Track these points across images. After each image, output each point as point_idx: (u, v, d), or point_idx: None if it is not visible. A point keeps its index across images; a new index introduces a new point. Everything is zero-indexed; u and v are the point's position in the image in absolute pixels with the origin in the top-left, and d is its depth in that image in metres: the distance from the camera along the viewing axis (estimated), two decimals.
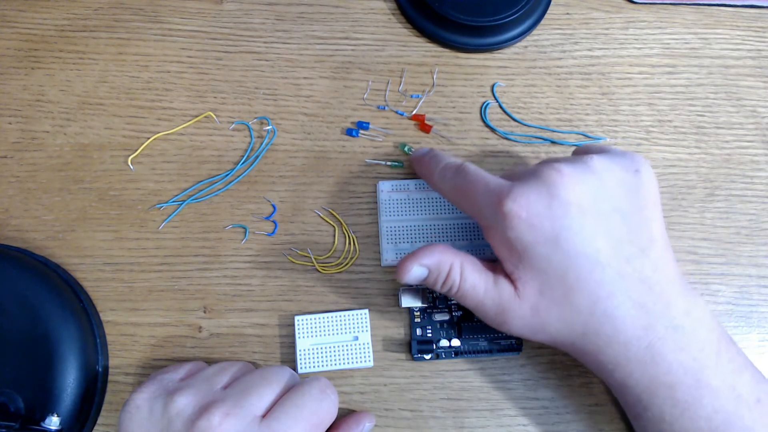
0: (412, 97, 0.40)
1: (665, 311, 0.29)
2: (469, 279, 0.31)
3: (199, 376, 0.31)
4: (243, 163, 0.39)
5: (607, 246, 0.29)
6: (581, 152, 0.34)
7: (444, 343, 0.36)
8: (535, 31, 0.42)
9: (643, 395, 0.30)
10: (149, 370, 0.36)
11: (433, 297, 0.37)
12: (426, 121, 0.40)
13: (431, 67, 0.41)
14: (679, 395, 0.29)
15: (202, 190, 0.38)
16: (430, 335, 0.36)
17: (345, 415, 0.35)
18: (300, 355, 0.35)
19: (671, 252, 0.31)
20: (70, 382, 0.33)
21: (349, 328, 0.36)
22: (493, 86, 0.41)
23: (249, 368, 0.33)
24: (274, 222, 0.38)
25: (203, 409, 0.28)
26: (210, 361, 0.35)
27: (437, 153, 0.36)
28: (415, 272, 0.32)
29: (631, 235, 0.30)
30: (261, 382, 0.31)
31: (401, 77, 0.41)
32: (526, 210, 0.29)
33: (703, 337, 0.30)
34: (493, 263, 0.32)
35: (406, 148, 0.39)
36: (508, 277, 0.31)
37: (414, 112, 0.40)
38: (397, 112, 0.40)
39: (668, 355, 0.29)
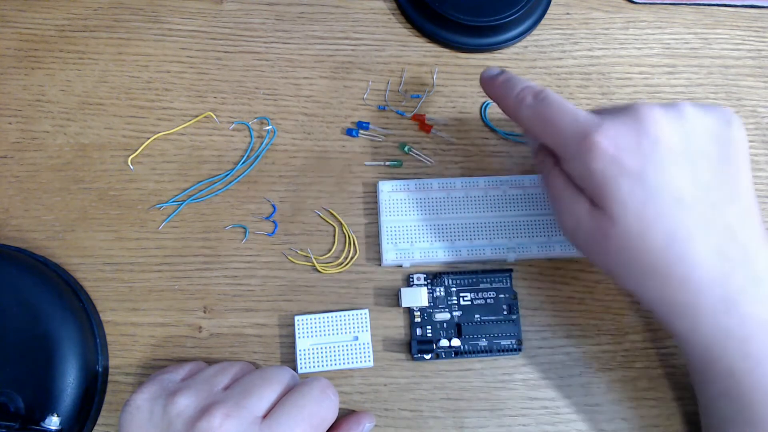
0: (412, 97, 0.41)
1: (746, 262, 0.28)
2: (558, 173, 0.32)
3: (199, 377, 0.31)
4: (243, 163, 0.39)
5: (693, 188, 0.29)
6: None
7: (444, 343, 0.36)
8: (535, 31, 0.42)
9: (713, 346, 0.29)
10: (149, 370, 0.36)
11: (434, 297, 0.37)
12: (426, 121, 0.40)
13: (431, 67, 0.41)
14: (752, 349, 0.28)
15: (202, 190, 0.38)
16: (430, 335, 0.36)
17: (345, 415, 0.35)
18: (300, 355, 0.35)
19: (758, 207, 0.30)
20: (70, 382, 0.33)
21: (349, 328, 0.36)
22: None
23: (249, 368, 0.33)
24: (274, 222, 0.38)
25: (204, 410, 0.28)
26: (210, 361, 0.35)
27: (512, 75, 0.34)
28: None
29: (718, 182, 0.29)
30: (261, 382, 0.31)
31: (401, 77, 0.41)
32: (615, 144, 0.29)
33: None
34: None
35: (406, 148, 0.39)
36: (588, 198, 0.30)
37: (414, 112, 0.40)
38: (397, 112, 0.40)
39: (744, 307, 0.28)
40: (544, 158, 0.33)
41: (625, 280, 0.31)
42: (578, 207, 0.30)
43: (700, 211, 0.29)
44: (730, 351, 0.29)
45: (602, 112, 0.31)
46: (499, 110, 0.41)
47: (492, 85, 0.34)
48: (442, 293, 0.37)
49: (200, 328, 0.36)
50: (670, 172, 0.29)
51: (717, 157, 0.30)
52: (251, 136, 0.39)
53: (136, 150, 0.39)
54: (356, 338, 0.35)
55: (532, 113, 0.31)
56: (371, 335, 0.36)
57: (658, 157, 0.29)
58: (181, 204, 0.38)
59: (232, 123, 0.40)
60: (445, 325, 0.36)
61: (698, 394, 0.32)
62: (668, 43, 0.43)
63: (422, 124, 0.40)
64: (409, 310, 0.37)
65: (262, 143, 0.39)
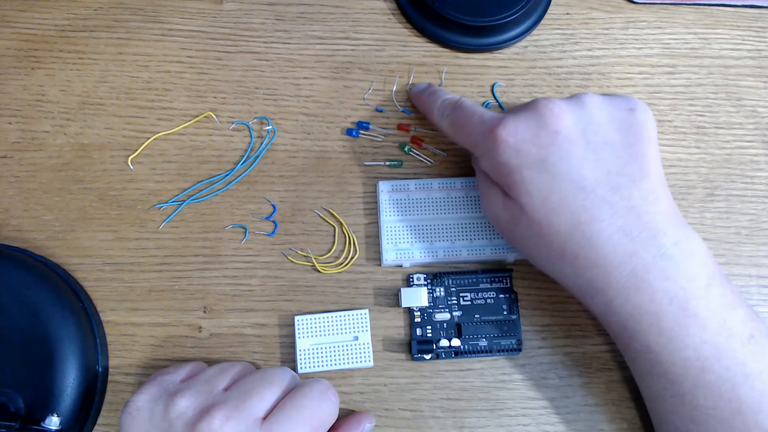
0: (402, 111, 0.40)
1: (653, 240, 0.29)
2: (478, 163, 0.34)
3: (199, 378, 0.31)
4: (243, 163, 0.39)
5: (594, 175, 0.30)
6: None
7: (444, 343, 0.36)
8: (535, 31, 0.42)
9: (627, 323, 0.30)
10: (149, 370, 0.36)
11: (434, 297, 0.37)
12: (411, 130, 0.40)
13: (431, 67, 0.41)
14: (665, 324, 0.29)
15: (202, 190, 0.38)
16: (430, 335, 0.36)
17: (345, 415, 0.35)
18: (300, 355, 0.35)
19: (666, 188, 0.31)
20: (70, 382, 0.33)
21: (349, 328, 0.36)
22: (493, 86, 0.41)
23: (250, 369, 0.33)
24: (274, 222, 0.38)
25: (204, 412, 0.28)
26: (210, 362, 0.35)
27: (435, 89, 0.37)
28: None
29: (620, 167, 0.30)
30: (261, 383, 0.31)
31: (409, 76, 0.41)
32: (515, 136, 0.31)
33: (694, 269, 0.29)
34: None
35: (406, 148, 0.39)
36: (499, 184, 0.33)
37: (415, 116, 0.40)
38: (402, 110, 0.40)
39: (653, 282, 0.29)
40: (473, 160, 0.36)
41: (540, 263, 0.33)
42: (494, 198, 0.33)
43: (602, 194, 0.30)
44: (644, 327, 0.30)
45: (508, 111, 0.33)
46: (499, 110, 0.41)
47: (419, 99, 0.38)
48: (442, 293, 0.37)
49: (200, 328, 0.36)
50: (570, 160, 0.30)
51: (620, 143, 0.31)
52: (251, 136, 0.39)
53: (136, 150, 0.39)
54: (356, 338, 0.35)
55: (450, 122, 0.35)
56: (371, 335, 0.36)
57: (558, 147, 0.30)
58: (181, 204, 0.38)
59: (232, 123, 0.40)
60: (445, 325, 0.36)
61: (632, 374, 0.33)
62: (668, 43, 0.43)
63: (414, 138, 0.40)
64: (409, 310, 0.37)
65: (262, 143, 0.39)
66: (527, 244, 0.32)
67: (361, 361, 0.35)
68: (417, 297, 0.36)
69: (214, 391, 0.30)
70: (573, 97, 0.33)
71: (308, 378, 0.33)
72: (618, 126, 0.31)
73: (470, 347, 0.36)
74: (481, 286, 0.37)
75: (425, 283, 0.37)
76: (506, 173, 0.31)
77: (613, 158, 0.31)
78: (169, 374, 0.32)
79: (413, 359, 0.36)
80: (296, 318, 0.36)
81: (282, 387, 0.31)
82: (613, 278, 0.30)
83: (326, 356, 0.35)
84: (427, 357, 0.36)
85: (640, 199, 0.30)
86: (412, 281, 0.37)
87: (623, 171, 0.30)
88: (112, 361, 0.36)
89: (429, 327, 0.36)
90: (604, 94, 0.33)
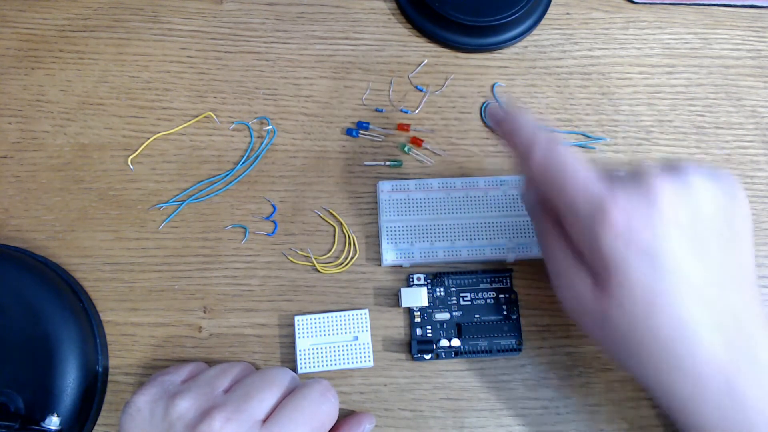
0: (401, 111, 0.40)
1: (751, 352, 0.27)
2: (555, 239, 0.30)
3: (200, 379, 0.31)
4: (243, 163, 0.39)
5: (701, 270, 0.27)
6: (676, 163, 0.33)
7: (444, 343, 0.36)
8: (535, 31, 0.42)
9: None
10: (149, 370, 0.36)
11: (434, 297, 0.37)
12: (410, 131, 0.40)
13: (431, 67, 0.41)
14: None
15: (202, 190, 0.38)
16: (430, 335, 0.36)
17: (345, 416, 0.35)
18: (300, 355, 0.35)
19: (759, 290, 0.29)
20: (70, 382, 0.33)
21: (349, 328, 0.36)
22: (493, 86, 0.41)
23: (250, 370, 0.33)
24: (274, 222, 0.38)
25: (204, 414, 0.28)
26: (210, 362, 0.35)
27: (520, 115, 0.31)
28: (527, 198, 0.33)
29: (726, 263, 0.28)
30: (262, 385, 0.30)
31: (412, 73, 0.41)
32: (627, 222, 0.27)
33: None
34: None
35: (406, 148, 0.39)
36: (590, 269, 0.29)
37: (417, 111, 0.40)
38: (401, 110, 0.40)
39: (750, 400, 0.27)
40: (541, 212, 0.32)
41: (626, 363, 0.29)
42: (580, 283, 0.29)
43: (710, 296, 0.27)
44: None
45: (613, 178, 0.29)
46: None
47: (504, 124, 0.32)
48: (442, 293, 0.37)
49: (200, 328, 0.36)
50: (679, 253, 0.27)
51: (726, 237, 0.28)
52: (251, 136, 0.39)
53: (136, 150, 0.39)
54: (356, 338, 0.35)
55: (541, 164, 0.29)
56: (371, 335, 0.36)
57: (671, 240, 0.27)
58: (181, 204, 0.38)
59: (232, 123, 0.40)
60: (445, 325, 0.36)
61: None
62: (668, 43, 0.43)
63: (413, 138, 0.40)
64: (409, 310, 0.37)
65: (262, 143, 0.39)
66: (616, 342, 0.29)
67: (361, 361, 0.35)
68: (417, 297, 0.36)
69: (215, 392, 0.30)
70: (678, 172, 0.29)
71: (308, 378, 0.33)
72: (725, 219, 0.28)
73: (470, 347, 0.36)
74: (481, 286, 0.37)
75: (425, 283, 0.37)
76: (609, 258, 0.27)
77: (720, 257, 0.28)
78: (170, 375, 0.32)
79: (413, 359, 0.36)
80: (296, 318, 0.36)
81: (282, 388, 0.31)
82: (709, 393, 0.27)
83: (326, 356, 0.35)
84: (427, 357, 0.36)
85: (742, 305, 0.28)
86: (412, 281, 0.37)
87: (728, 269, 0.28)
88: (112, 361, 0.36)
89: (429, 327, 0.36)
90: (705, 171, 0.29)
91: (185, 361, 0.35)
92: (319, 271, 0.37)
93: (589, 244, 0.28)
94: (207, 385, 0.31)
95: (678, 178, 0.28)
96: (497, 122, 0.33)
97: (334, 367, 0.35)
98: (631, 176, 0.29)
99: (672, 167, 0.29)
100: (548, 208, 0.31)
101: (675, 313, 0.27)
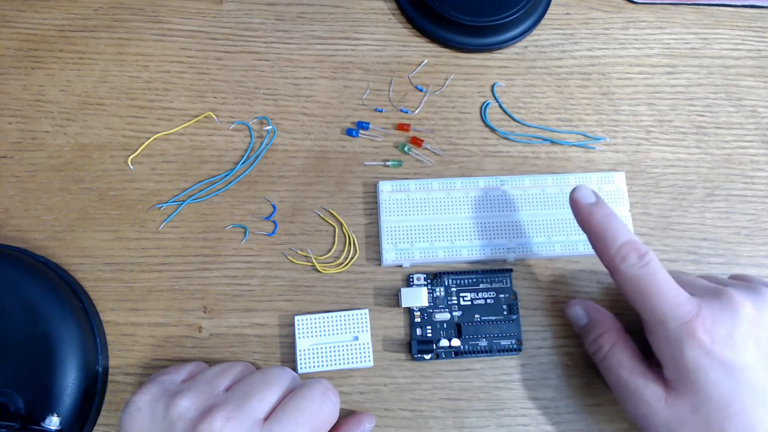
0: (401, 110, 0.40)
1: None
2: (617, 353, 0.32)
3: (200, 378, 0.31)
4: (243, 163, 0.39)
5: None
6: (744, 279, 0.35)
7: (444, 343, 0.36)
8: (535, 31, 0.42)
9: None
10: (149, 370, 0.36)
11: (434, 297, 0.37)
12: (410, 130, 0.40)
13: (431, 67, 0.41)
14: None
15: (202, 190, 0.38)
16: (430, 335, 0.36)
17: (345, 415, 0.35)
18: (300, 355, 0.35)
19: None
20: (70, 382, 0.33)
21: (349, 328, 0.36)
22: (493, 86, 0.41)
23: (250, 369, 0.33)
24: (274, 222, 0.38)
25: (205, 413, 0.28)
26: (210, 361, 0.35)
27: (610, 211, 0.33)
28: (576, 312, 0.35)
29: None
30: (262, 384, 0.30)
31: (412, 73, 0.41)
32: (711, 336, 0.29)
33: None
34: (647, 355, 0.33)
35: (406, 148, 0.39)
36: (661, 377, 0.31)
37: (417, 111, 0.40)
38: (401, 110, 0.40)
39: None
40: (603, 335, 0.33)
41: None
42: (651, 393, 0.31)
43: None
44: None
45: (693, 289, 0.31)
46: (499, 110, 0.41)
47: (591, 216, 0.33)
48: (442, 293, 0.37)
49: (200, 328, 0.36)
50: (756, 371, 0.29)
51: None
52: (251, 136, 0.39)
53: (136, 150, 0.39)
54: (356, 338, 0.35)
55: (632, 276, 0.31)
56: (371, 335, 0.36)
57: (749, 354, 0.30)
58: (181, 204, 0.38)
59: (232, 123, 0.40)
60: (445, 325, 0.36)
61: None
62: (668, 43, 0.43)
63: (413, 138, 0.40)
64: (409, 310, 0.37)
65: (262, 143, 0.39)
66: None
67: (361, 361, 0.35)
68: (417, 297, 0.36)
69: (215, 391, 0.30)
70: (756, 291, 0.31)
71: (308, 378, 0.33)
72: None
73: (470, 347, 0.36)
74: (481, 286, 0.37)
75: (425, 283, 0.37)
76: (691, 370, 0.30)
77: None
78: (170, 374, 0.32)
79: (413, 359, 0.36)
80: (296, 318, 0.36)
81: (283, 388, 0.31)
82: None
83: (326, 356, 0.35)
84: (427, 357, 0.36)
85: None
86: (412, 281, 0.37)
87: None
88: (112, 361, 0.36)
89: (429, 327, 0.36)
90: None
91: (185, 361, 0.35)
92: (319, 271, 0.37)
93: (671, 355, 0.30)
94: (207, 384, 0.31)
95: (756, 296, 0.31)
96: (584, 214, 0.33)
97: (334, 367, 0.35)
98: (713, 292, 0.31)
99: (749, 287, 0.32)
100: (609, 329, 0.34)
101: (747, 420, 0.29)
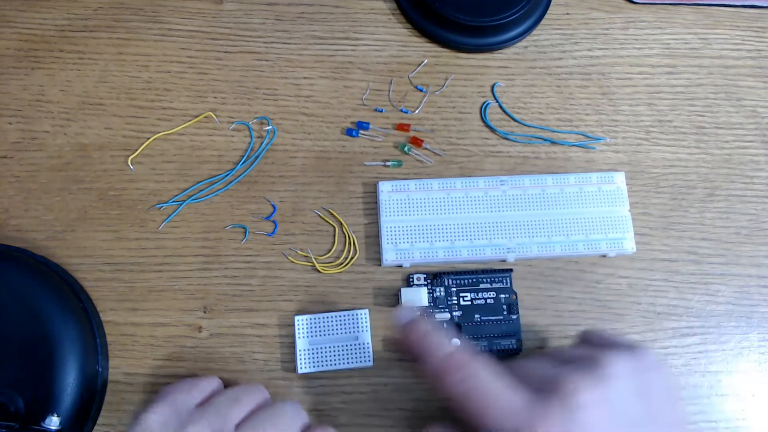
0: (401, 110, 0.40)
1: None
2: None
3: (213, 406, 0.31)
4: (243, 163, 0.39)
5: None
6: (587, 341, 0.33)
7: None
8: (535, 31, 0.42)
9: None
10: (149, 370, 0.36)
11: (434, 297, 0.37)
12: (410, 130, 0.40)
13: (431, 67, 0.41)
14: None
15: (202, 190, 0.38)
16: None
17: None
18: (300, 354, 0.35)
19: None
20: (70, 382, 0.33)
21: (349, 327, 0.36)
22: (493, 86, 0.41)
23: (263, 396, 0.32)
24: (274, 222, 0.38)
25: None
26: (210, 362, 0.35)
27: (430, 328, 0.31)
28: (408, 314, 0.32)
29: None
30: (275, 421, 0.30)
31: (412, 73, 0.41)
32: None
33: None
34: None
35: (406, 148, 0.39)
36: None
37: (417, 111, 0.40)
38: (401, 110, 0.40)
39: None
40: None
41: None
42: None
43: None
44: None
45: (527, 379, 0.29)
46: (499, 110, 0.41)
47: (406, 339, 0.31)
48: (442, 293, 0.37)
49: (200, 328, 0.36)
50: None
51: (654, 420, 0.29)
52: (251, 136, 0.39)
53: (136, 150, 0.39)
54: (356, 338, 0.35)
55: (456, 393, 0.29)
56: (371, 335, 0.36)
57: None
58: (181, 204, 0.38)
59: (232, 123, 0.40)
60: (445, 325, 0.36)
61: None
62: (668, 43, 0.43)
63: (413, 138, 0.40)
64: None
65: (262, 143, 0.39)
66: None
67: (360, 361, 0.35)
68: (417, 297, 0.36)
69: (227, 425, 0.30)
70: (590, 366, 0.29)
71: (308, 378, 0.33)
72: (643, 399, 0.29)
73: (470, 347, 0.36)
74: (481, 286, 0.37)
75: (425, 283, 0.37)
76: None
77: None
78: (183, 394, 0.31)
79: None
80: (296, 318, 0.36)
81: (296, 427, 0.31)
82: None
83: (326, 356, 0.35)
84: None
85: None
86: (412, 281, 0.37)
87: None
88: (112, 361, 0.36)
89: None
90: (617, 352, 0.30)
91: (185, 360, 0.35)
92: (319, 271, 0.37)
93: None
94: (219, 415, 0.30)
95: (592, 375, 0.29)
96: (404, 335, 0.32)
97: (333, 367, 0.35)
98: (546, 383, 0.29)
99: (585, 362, 0.29)
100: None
101: None
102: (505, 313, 0.37)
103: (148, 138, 0.39)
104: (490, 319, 0.36)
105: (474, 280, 0.37)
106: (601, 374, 0.29)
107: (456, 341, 0.35)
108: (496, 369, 0.29)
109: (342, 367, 0.35)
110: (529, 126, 0.40)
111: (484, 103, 0.41)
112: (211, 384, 0.33)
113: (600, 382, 0.29)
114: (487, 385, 0.29)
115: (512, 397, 0.28)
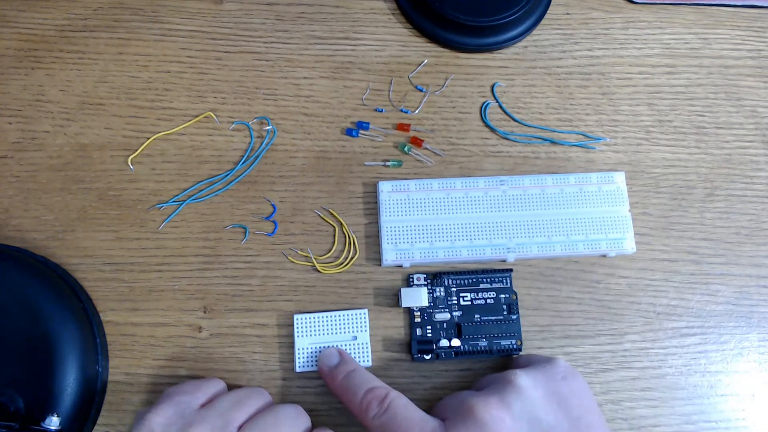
0: (401, 110, 0.40)
1: None
2: None
3: (215, 409, 0.31)
4: (243, 163, 0.39)
5: None
6: (515, 366, 0.34)
7: (444, 343, 0.36)
8: (535, 31, 0.42)
9: None
10: (149, 370, 0.36)
11: (434, 297, 0.37)
12: (410, 130, 0.40)
13: (431, 67, 0.41)
14: None
15: (202, 190, 0.38)
16: (430, 335, 0.36)
17: None
18: (299, 354, 0.35)
19: None
20: (70, 382, 0.33)
21: (348, 327, 0.36)
22: (493, 86, 0.41)
23: (265, 399, 0.33)
24: (274, 222, 0.38)
25: None
26: (210, 362, 0.35)
27: (353, 368, 0.33)
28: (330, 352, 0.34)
29: None
30: (276, 423, 0.30)
31: (412, 73, 0.41)
32: None
33: None
34: None
35: (406, 148, 0.39)
36: None
37: (417, 111, 0.40)
38: (401, 110, 0.40)
39: None
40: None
41: None
42: None
43: None
44: None
45: (444, 409, 0.31)
46: (499, 110, 0.41)
47: (333, 379, 0.33)
48: (442, 293, 0.37)
49: (200, 328, 0.36)
50: None
51: (566, 424, 0.30)
52: (251, 136, 0.39)
53: (136, 150, 0.39)
54: (355, 338, 0.35)
55: (379, 425, 0.31)
56: (371, 335, 0.36)
57: None
58: (181, 204, 0.38)
59: (232, 123, 0.40)
60: (445, 325, 0.36)
61: None
62: (668, 43, 0.43)
63: (413, 138, 0.40)
64: (409, 310, 0.37)
65: (262, 143, 0.39)
66: None
67: (359, 361, 0.35)
68: (417, 297, 0.36)
69: (229, 426, 0.30)
70: (503, 383, 0.31)
71: (308, 378, 0.33)
72: (558, 405, 0.31)
73: (470, 347, 0.36)
74: (481, 286, 0.37)
75: (425, 283, 0.37)
76: None
77: None
78: (187, 395, 0.31)
79: (413, 359, 0.36)
80: (295, 317, 0.36)
81: (298, 431, 0.31)
82: None
83: None
84: (427, 357, 0.36)
85: None
86: (412, 281, 0.37)
87: None
88: (112, 361, 0.36)
89: (429, 327, 0.36)
90: (531, 367, 0.32)
91: (185, 360, 0.35)
92: (319, 271, 0.37)
93: None
94: (221, 418, 0.30)
95: (504, 391, 0.31)
96: (328, 378, 0.34)
97: None
98: (460, 407, 0.31)
99: (499, 379, 0.32)
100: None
101: None
102: (505, 313, 0.37)
103: (148, 138, 0.39)
104: (490, 319, 0.36)
105: (474, 280, 0.37)
106: (511, 389, 0.31)
107: (455, 341, 0.36)
108: (410, 401, 0.31)
109: None
110: (529, 126, 0.40)
111: (484, 103, 0.41)
112: (215, 386, 0.33)
113: (510, 396, 0.31)
114: (406, 411, 0.31)
115: (430, 420, 0.30)
